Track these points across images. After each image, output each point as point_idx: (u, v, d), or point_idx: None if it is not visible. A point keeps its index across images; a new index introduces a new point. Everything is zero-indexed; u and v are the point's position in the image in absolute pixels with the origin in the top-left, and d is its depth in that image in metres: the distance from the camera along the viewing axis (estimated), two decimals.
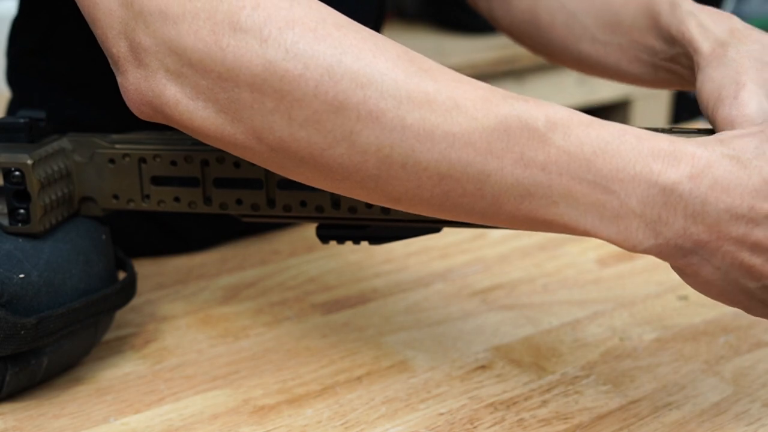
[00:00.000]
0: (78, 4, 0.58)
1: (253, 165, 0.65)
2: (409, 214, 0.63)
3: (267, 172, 0.65)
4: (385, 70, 0.51)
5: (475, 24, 2.18)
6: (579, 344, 0.73)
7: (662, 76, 0.74)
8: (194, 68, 0.53)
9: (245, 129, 0.54)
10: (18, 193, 0.65)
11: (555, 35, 0.82)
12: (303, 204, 0.65)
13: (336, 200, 0.65)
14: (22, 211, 0.65)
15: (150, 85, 0.55)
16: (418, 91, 0.51)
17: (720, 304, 0.77)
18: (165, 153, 0.66)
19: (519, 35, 0.87)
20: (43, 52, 0.85)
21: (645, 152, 0.51)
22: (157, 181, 0.68)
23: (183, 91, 0.54)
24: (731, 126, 0.60)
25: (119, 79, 0.57)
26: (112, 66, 0.58)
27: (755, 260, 0.52)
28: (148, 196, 0.68)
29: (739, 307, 0.55)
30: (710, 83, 0.63)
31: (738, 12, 2.58)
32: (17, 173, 0.64)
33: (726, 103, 0.61)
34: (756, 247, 0.51)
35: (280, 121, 0.52)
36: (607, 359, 0.71)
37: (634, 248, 0.52)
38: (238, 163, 0.65)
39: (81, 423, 0.64)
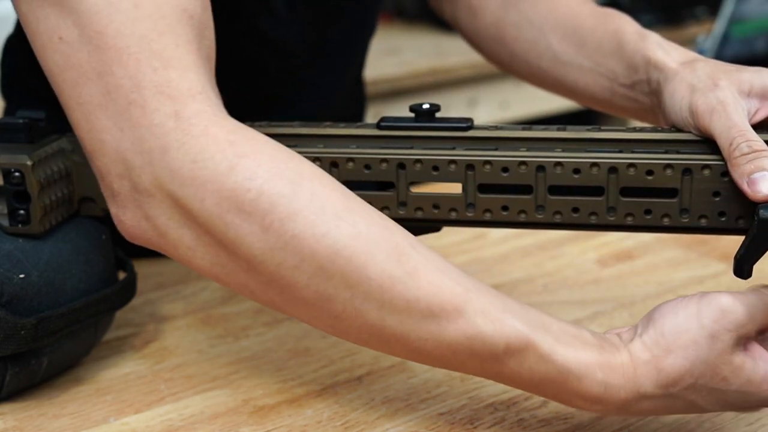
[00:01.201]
0: (77, 134, 0.59)
1: None
2: (414, 213, 0.66)
3: None
4: (373, 275, 0.56)
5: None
6: None
7: (618, 102, 0.75)
8: (199, 226, 0.57)
9: (239, 285, 0.59)
10: (18, 194, 0.65)
11: (518, 49, 0.83)
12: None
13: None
14: (22, 211, 0.65)
15: (150, 225, 0.58)
16: (400, 299, 0.56)
17: None
18: None
19: (482, 45, 0.88)
20: (33, 72, 0.85)
21: (582, 394, 0.56)
22: None
23: (183, 240, 0.58)
24: (710, 113, 0.61)
25: (114, 210, 0.59)
26: (105, 196, 0.60)
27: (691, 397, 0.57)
28: None
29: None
30: (683, 83, 0.65)
31: (738, 12, 2.58)
32: (17, 174, 0.64)
33: (704, 92, 0.63)
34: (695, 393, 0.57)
35: (271, 293, 0.58)
36: None
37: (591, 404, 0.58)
38: None
39: (81, 423, 0.64)
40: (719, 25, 2.53)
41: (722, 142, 0.60)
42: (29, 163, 0.64)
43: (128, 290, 0.71)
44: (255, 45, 0.83)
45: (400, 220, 0.62)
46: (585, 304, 0.80)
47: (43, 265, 0.65)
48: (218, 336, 0.75)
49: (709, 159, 0.61)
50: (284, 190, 0.55)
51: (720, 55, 2.59)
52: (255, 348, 0.73)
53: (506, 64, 0.86)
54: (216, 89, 0.61)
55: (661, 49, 0.70)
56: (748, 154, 0.59)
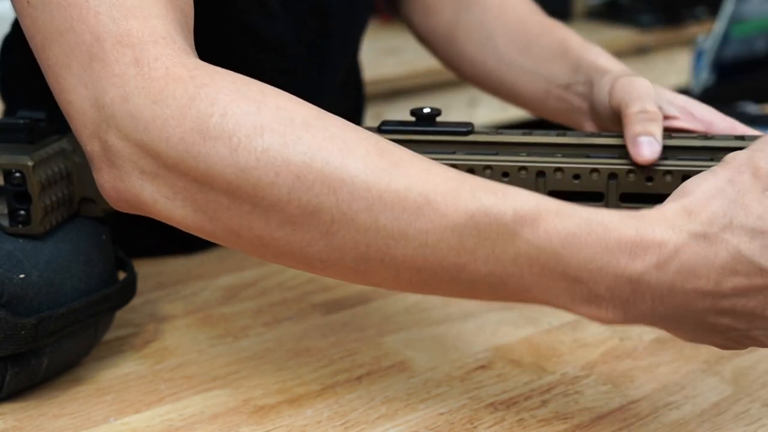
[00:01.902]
0: (55, 97, 0.58)
1: None
2: None
3: None
4: (355, 172, 0.52)
5: None
6: (579, 344, 0.74)
7: (551, 103, 0.80)
8: (170, 170, 0.54)
9: (224, 227, 0.55)
10: (18, 195, 0.65)
11: (468, 50, 0.87)
12: None
13: None
14: (22, 212, 0.65)
15: (126, 186, 0.56)
16: (389, 191, 0.52)
17: None
18: None
19: (434, 46, 0.92)
20: (31, 72, 0.85)
21: (612, 245, 0.52)
22: None
23: (160, 191, 0.55)
24: (623, 89, 0.66)
25: (95, 175, 0.58)
26: (88, 160, 0.59)
27: (723, 321, 0.54)
28: None
29: (716, 346, 0.57)
30: (611, 76, 0.70)
31: (738, 12, 2.58)
32: (18, 174, 0.64)
33: (625, 79, 0.67)
34: (722, 312, 0.53)
35: (257, 222, 0.54)
36: (607, 359, 0.71)
37: (608, 323, 0.54)
38: None
39: (81, 423, 0.64)
40: (719, 25, 2.53)
41: (624, 108, 0.65)
42: (30, 163, 0.64)
43: (128, 290, 0.71)
44: (248, 43, 0.83)
45: None
46: None
47: (43, 265, 0.65)
48: (218, 336, 0.75)
49: (707, 166, 0.61)
50: (248, 108, 0.53)
51: (720, 55, 2.59)
52: (255, 348, 0.73)
53: (455, 63, 0.89)
54: (189, 39, 0.59)
55: (603, 57, 0.76)
56: (642, 113, 0.63)
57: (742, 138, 0.64)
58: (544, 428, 0.63)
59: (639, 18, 2.37)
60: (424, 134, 0.65)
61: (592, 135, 0.65)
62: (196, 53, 0.59)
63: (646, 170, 0.62)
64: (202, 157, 0.53)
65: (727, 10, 2.47)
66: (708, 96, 2.46)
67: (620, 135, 0.65)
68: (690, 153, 0.63)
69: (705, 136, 0.64)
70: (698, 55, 2.51)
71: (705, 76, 2.50)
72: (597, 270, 0.52)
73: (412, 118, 0.66)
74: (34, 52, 0.59)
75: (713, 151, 0.62)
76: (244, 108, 0.53)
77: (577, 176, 0.62)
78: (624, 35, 2.31)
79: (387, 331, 0.76)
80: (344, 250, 0.54)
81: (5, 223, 0.65)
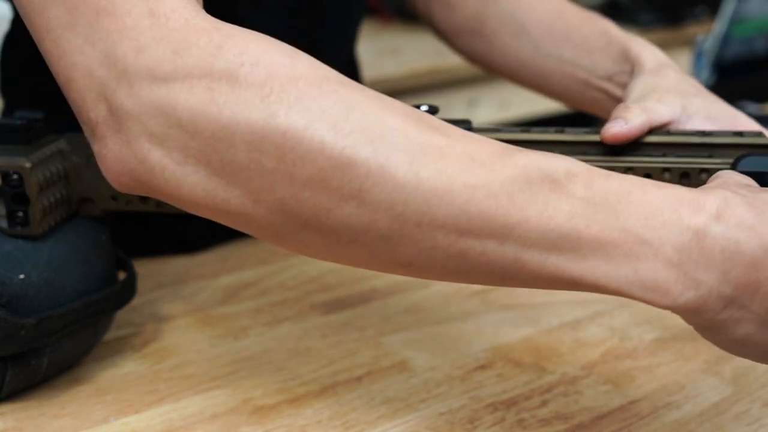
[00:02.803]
0: (51, 67, 0.54)
1: None
2: None
3: None
4: (395, 125, 0.49)
5: None
6: (579, 344, 0.73)
7: (591, 95, 0.78)
8: (183, 129, 0.49)
9: (241, 192, 0.50)
10: (16, 196, 0.64)
11: (498, 42, 0.85)
12: None
13: None
14: (20, 213, 0.65)
15: (132, 152, 0.51)
16: (431, 145, 0.48)
17: None
18: None
19: (459, 40, 0.89)
20: (31, 70, 0.84)
21: (670, 198, 0.48)
22: None
23: (169, 155, 0.50)
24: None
25: (96, 148, 0.53)
26: (87, 135, 0.54)
27: None
28: (146, 198, 0.68)
29: None
30: (642, 84, 0.69)
31: (738, 12, 2.58)
32: (15, 176, 0.64)
33: (644, 101, 0.66)
34: None
35: (281, 180, 0.49)
36: (607, 359, 0.71)
37: (672, 303, 0.48)
38: None
39: (81, 423, 0.64)
40: (719, 25, 2.53)
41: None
42: (28, 165, 0.64)
43: (128, 290, 0.71)
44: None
45: None
46: (585, 304, 0.80)
47: (43, 266, 0.65)
48: (218, 336, 0.75)
49: (705, 163, 0.61)
50: (281, 59, 0.49)
51: (720, 55, 2.59)
52: (255, 348, 0.73)
53: (483, 57, 0.87)
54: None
55: (647, 49, 0.75)
56: (625, 105, 0.64)
57: (740, 134, 0.63)
58: (544, 428, 0.63)
59: (639, 18, 2.37)
60: None
61: (590, 132, 0.65)
62: None
63: (645, 169, 0.62)
64: (229, 105, 0.49)
65: (727, 10, 2.47)
66: None
67: None
68: (688, 150, 0.63)
69: (703, 133, 0.64)
70: (698, 55, 2.51)
71: (705, 76, 2.50)
72: (660, 226, 0.47)
73: None
74: (28, 20, 0.54)
75: (712, 147, 0.62)
76: (276, 59, 0.50)
77: None
78: None
79: (387, 331, 0.76)
80: (378, 211, 0.48)
81: (3, 224, 0.65)
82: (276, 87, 0.49)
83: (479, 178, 0.48)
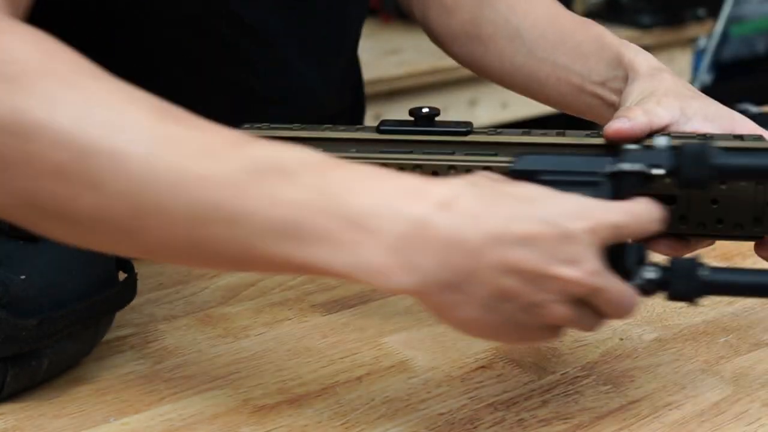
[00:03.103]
0: None
1: None
2: None
3: None
4: (137, 118, 0.51)
5: None
6: (579, 344, 0.73)
7: (585, 100, 0.79)
8: None
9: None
10: None
11: (493, 47, 0.85)
12: None
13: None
14: None
15: None
16: (169, 137, 0.51)
17: (720, 304, 0.77)
18: None
19: (455, 44, 0.90)
20: None
21: (395, 188, 0.51)
22: None
23: None
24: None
25: None
26: None
27: (512, 283, 0.52)
28: None
29: (500, 339, 0.56)
30: (639, 88, 0.69)
31: (737, 12, 2.58)
32: None
33: (644, 103, 0.66)
34: (513, 270, 0.51)
35: (23, 172, 0.50)
36: (607, 359, 0.71)
37: (393, 287, 0.51)
38: None
39: (81, 423, 0.64)
40: (719, 25, 2.53)
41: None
42: None
43: (129, 291, 0.71)
44: (233, 30, 0.83)
45: None
46: None
47: (44, 267, 0.65)
48: (218, 336, 0.75)
49: None
50: (39, 56, 0.52)
51: (720, 54, 2.59)
52: (255, 348, 0.73)
53: (478, 61, 0.88)
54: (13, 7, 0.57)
55: (640, 55, 0.75)
56: (627, 107, 0.65)
57: (741, 138, 0.64)
58: (544, 428, 0.63)
59: (639, 18, 2.37)
60: (423, 134, 0.65)
61: (591, 135, 0.65)
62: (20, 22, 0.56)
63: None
64: None
65: (727, 10, 2.47)
66: (707, 96, 2.46)
67: None
68: None
69: (704, 136, 0.64)
70: (698, 55, 2.51)
71: (705, 76, 2.50)
72: (381, 215, 0.50)
73: (411, 119, 0.66)
74: None
75: None
76: (33, 56, 0.52)
77: None
78: (624, 35, 2.30)
79: (387, 331, 0.76)
80: (117, 200, 0.50)
81: (5, 224, 0.66)
82: (26, 83, 0.51)
83: (211, 168, 0.50)
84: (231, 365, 0.71)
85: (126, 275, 0.71)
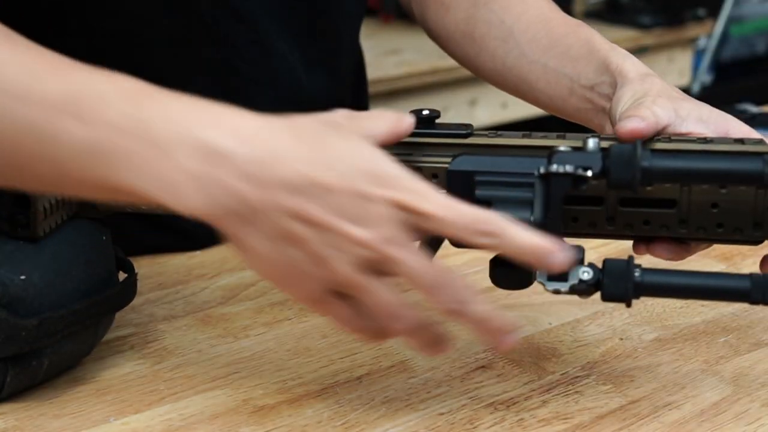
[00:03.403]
0: None
1: None
2: None
3: None
4: None
5: None
6: (579, 344, 0.74)
7: (574, 103, 0.79)
8: None
9: None
10: (18, 199, 0.65)
11: (486, 46, 0.86)
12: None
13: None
14: (21, 216, 0.65)
15: None
16: None
17: (720, 304, 0.78)
18: None
19: (450, 42, 0.91)
20: None
21: (199, 117, 0.53)
22: None
23: None
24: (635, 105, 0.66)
25: None
26: None
27: (300, 228, 0.53)
28: None
29: (288, 289, 0.57)
30: (629, 92, 0.69)
31: (737, 12, 2.58)
32: None
33: (644, 104, 0.66)
34: (301, 217, 0.52)
35: None
36: (607, 359, 0.71)
37: (191, 211, 0.53)
38: None
39: (81, 423, 0.64)
40: (719, 25, 2.53)
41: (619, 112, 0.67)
42: None
43: (129, 291, 0.71)
44: (214, 10, 0.83)
45: None
46: (585, 304, 0.80)
47: (44, 267, 0.65)
48: (218, 336, 0.75)
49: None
50: None
51: (720, 55, 2.59)
52: (255, 348, 0.73)
53: (472, 61, 0.89)
54: None
55: (628, 60, 0.75)
56: (634, 106, 0.66)
57: (741, 141, 0.63)
58: (544, 428, 0.63)
59: (639, 18, 2.37)
60: (423, 137, 0.65)
61: (591, 137, 0.65)
62: None
63: None
64: None
65: (727, 10, 2.47)
66: (707, 96, 2.46)
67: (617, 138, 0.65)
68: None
69: (705, 140, 0.64)
70: (698, 55, 2.51)
71: (705, 76, 2.51)
72: (182, 141, 0.52)
73: None
74: None
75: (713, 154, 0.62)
76: None
77: None
78: (624, 35, 2.31)
79: None
80: None
81: (5, 226, 0.66)
82: None
83: (31, 89, 0.53)
84: (231, 365, 0.71)
85: (126, 275, 0.71)
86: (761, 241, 0.64)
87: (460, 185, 0.61)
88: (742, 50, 2.66)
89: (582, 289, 0.59)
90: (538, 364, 0.71)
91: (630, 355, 0.72)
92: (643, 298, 0.81)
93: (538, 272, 0.60)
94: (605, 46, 0.78)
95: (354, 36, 0.98)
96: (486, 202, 0.60)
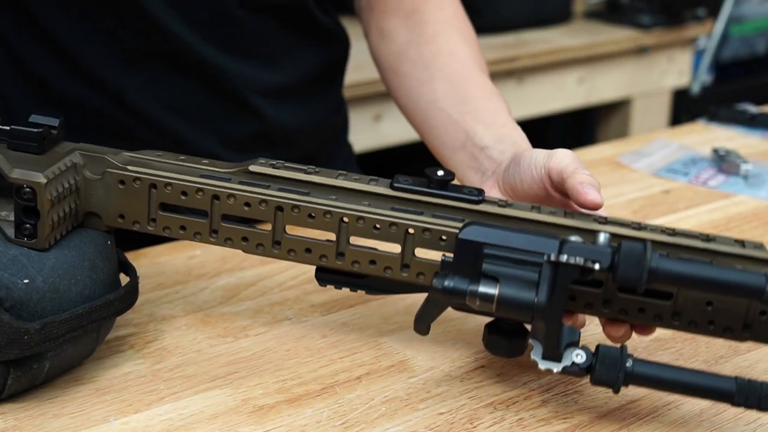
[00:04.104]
0: None
1: (263, 208, 0.67)
2: (408, 282, 0.67)
3: (276, 216, 0.67)
4: None
5: (475, 24, 2.17)
6: None
7: (462, 157, 0.84)
8: None
9: None
10: (27, 210, 0.65)
11: (406, 84, 0.92)
12: (308, 251, 0.68)
13: (341, 252, 0.67)
14: (29, 226, 0.65)
15: None
16: None
17: None
18: (176, 183, 0.67)
19: (379, 67, 0.97)
20: None
21: None
22: (165, 207, 0.68)
23: None
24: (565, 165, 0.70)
25: None
26: None
27: None
28: (154, 220, 0.69)
29: None
30: (540, 153, 0.73)
31: (737, 12, 2.58)
32: (28, 190, 0.64)
33: (557, 156, 0.71)
34: None
35: None
36: None
37: None
38: (248, 203, 0.67)
39: (81, 423, 0.64)
40: (719, 25, 2.53)
41: (567, 174, 0.69)
42: (43, 181, 0.64)
43: (131, 295, 0.70)
44: None
45: (402, 281, 0.66)
46: None
47: (48, 271, 0.65)
48: (218, 336, 0.75)
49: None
50: None
51: (720, 55, 2.59)
52: (255, 348, 0.74)
53: (392, 91, 0.95)
54: None
55: (525, 140, 0.80)
56: (576, 172, 0.69)
57: (742, 244, 0.64)
58: (543, 428, 0.63)
59: (639, 18, 2.37)
60: (435, 197, 0.66)
61: (598, 219, 0.65)
62: None
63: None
64: None
65: (727, 10, 2.47)
66: (707, 96, 2.46)
67: (625, 221, 0.66)
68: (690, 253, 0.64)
69: (707, 237, 0.64)
70: (698, 55, 2.51)
71: (705, 76, 2.50)
72: None
73: (424, 179, 0.67)
74: None
75: (713, 254, 0.63)
76: None
77: None
78: (624, 35, 2.31)
79: (387, 331, 0.76)
80: None
81: (10, 231, 0.66)
82: None
83: None
84: (231, 365, 0.71)
85: (128, 279, 0.71)
86: (747, 341, 0.65)
87: (468, 255, 0.62)
88: (742, 50, 2.66)
89: (574, 371, 0.61)
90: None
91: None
92: None
93: (534, 346, 0.62)
94: (510, 122, 0.83)
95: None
96: (492, 278, 0.61)
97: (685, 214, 0.98)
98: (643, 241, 0.60)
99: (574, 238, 0.61)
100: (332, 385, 0.68)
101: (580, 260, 0.59)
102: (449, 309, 0.79)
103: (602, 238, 0.60)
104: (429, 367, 0.70)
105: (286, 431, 0.63)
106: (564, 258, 0.59)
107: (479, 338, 0.74)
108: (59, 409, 0.65)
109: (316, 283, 0.70)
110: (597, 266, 0.59)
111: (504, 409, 0.65)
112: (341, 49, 1.05)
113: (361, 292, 0.71)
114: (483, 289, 0.60)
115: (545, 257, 0.60)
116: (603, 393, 0.67)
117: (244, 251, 0.69)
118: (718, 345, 0.73)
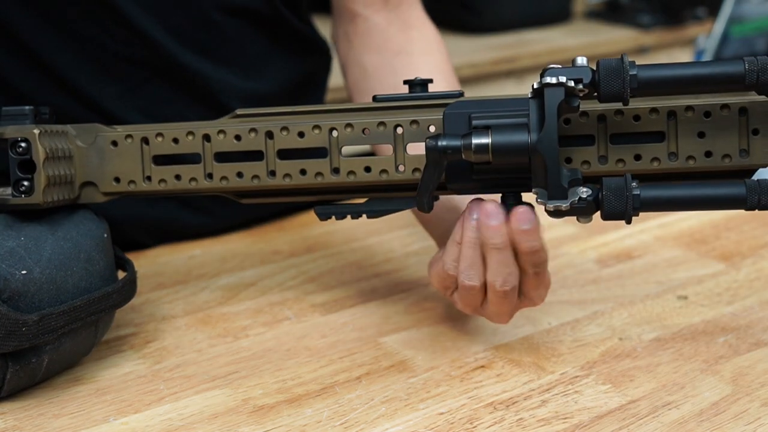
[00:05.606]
0: None
1: (253, 137, 0.68)
2: (405, 181, 0.67)
3: (267, 143, 0.68)
4: None
5: (475, 24, 2.17)
6: (578, 344, 0.74)
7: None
8: None
9: None
10: (23, 164, 0.66)
11: (357, 92, 0.90)
12: (303, 172, 0.68)
13: (335, 167, 0.68)
14: (26, 182, 0.66)
15: None
16: None
17: (719, 304, 0.78)
18: (167, 132, 0.69)
19: (343, 70, 0.94)
20: None
21: None
22: (158, 160, 0.70)
23: None
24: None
25: None
26: None
27: None
28: (149, 177, 0.70)
29: None
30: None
31: (737, 12, 2.58)
32: (23, 144, 0.66)
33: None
34: None
35: None
36: (607, 359, 0.71)
37: None
38: (239, 136, 0.68)
39: (81, 423, 0.64)
40: (719, 25, 2.53)
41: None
42: (36, 131, 0.66)
43: (129, 288, 0.71)
44: None
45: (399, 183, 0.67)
46: (585, 304, 0.80)
47: (45, 262, 0.65)
48: (218, 336, 0.75)
49: (691, 102, 0.64)
50: None
51: (720, 54, 2.59)
52: (255, 348, 0.74)
53: (349, 97, 0.93)
54: None
55: None
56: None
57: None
58: (543, 428, 0.63)
59: (639, 18, 2.37)
60: (417, 99, 0.67)
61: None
62: None
63: (631, 109, 0.64)
64: None
65: (727, 10, 2.47)
66: None
67: None
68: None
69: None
70: (698, 56, 2.51)
71: None
72: None
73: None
74: None
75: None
76: None
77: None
78: (624, 35, 2.31)
79: (387, 330, 0.76)
80: None
81: (8, 196, 0.67)
82: None
83: None
84: (230, 365, 0.71)
85: (126, 273, 0.71)
86: (748, 167, 0.65)
87: (458, 125, 0.64)
88: (742, 50, 2.66)
89: (582, 207, 0.61)
90: (537, 363, 0.71)
91: (629, 354, 0.72)
92: (642, 298, 0.81)
93: (539, 192, 0.62)
94: None
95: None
96: (484, 127, 0.62)
97: (685, 214, 0.98)
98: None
99: (552, 66, 0.62)
100: (332, 385, 0.68)
101: (562, 78, 0.60)
102: (449, 309, 0.79)
103: (580, 60, 0.61)
104: (429, 367, 0.70)
105: (286, 431, 0.63)
106: (547, 79, 0.60)
107: (479, 338, 0.74)
108: (59, 409, 0.65)
109: (317, 283, 0.70)
110: (581, 85, 0.60)
111: (504, 409, 0.65)
112: (321, 60, 1.02)
113: (361, 293, 0.71)
114: (476, 140, 0.61)
115: (529, 94, 0.61)
116: (603, 393, 0.67)
117: (240, 189, 0.69)
118: (718, 345, 0.73)
